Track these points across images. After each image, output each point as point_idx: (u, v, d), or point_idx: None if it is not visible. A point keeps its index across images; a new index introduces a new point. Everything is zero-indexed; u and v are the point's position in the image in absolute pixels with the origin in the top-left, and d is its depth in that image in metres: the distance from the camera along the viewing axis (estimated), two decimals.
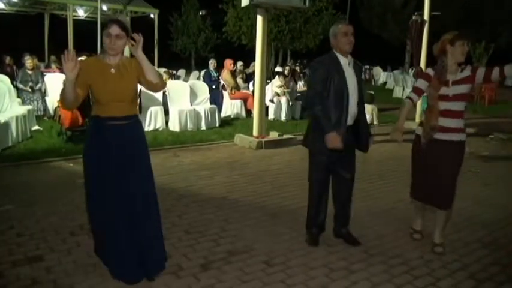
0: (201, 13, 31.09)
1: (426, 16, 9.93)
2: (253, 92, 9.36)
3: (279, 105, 10.80)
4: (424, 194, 3.76)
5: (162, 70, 12.08)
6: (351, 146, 3.67)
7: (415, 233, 4.01)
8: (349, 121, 3.58)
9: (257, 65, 7.87)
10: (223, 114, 10.72)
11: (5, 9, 18.90)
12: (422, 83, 3.65)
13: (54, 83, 9.68)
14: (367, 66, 28.92)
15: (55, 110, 8.27)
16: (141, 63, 2.98)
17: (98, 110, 3.00)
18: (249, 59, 14.02)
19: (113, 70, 2.98)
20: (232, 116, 10.91)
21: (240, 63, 12.57)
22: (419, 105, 10.35)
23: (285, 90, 11.05)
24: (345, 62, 3.57)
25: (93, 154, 3.02)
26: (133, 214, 3.06)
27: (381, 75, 26.64)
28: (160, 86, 3.14)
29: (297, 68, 14.79)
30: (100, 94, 2.97)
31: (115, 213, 3.02)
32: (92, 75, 2.94)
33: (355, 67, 3.64)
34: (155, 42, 19.35)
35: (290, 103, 10.99)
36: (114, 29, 2.89)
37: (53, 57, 14.37)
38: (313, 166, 3.74)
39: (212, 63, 12.30)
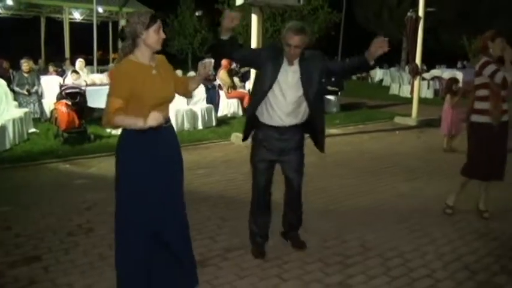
0: (197, 14, 31.09)
1: (421, 12, 9.94)
2: (249, 91, 9.37)
3: None
4: (492, 173, 4.31)
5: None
6: (293, 148, 3.42)
7: (448, 208, 4.53)
8: (284, 121, 3.32)
9: None
10: (220, 114, 10.73)
11: (0, 13, 18.91)
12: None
13: (50, 85, 9.69)
14: None
15: (51, 112, 8.27)
16: (199, 79, 3.20)
17: (139, 115, 2.52)
18: None
19: (154, 72, 2.72)
20: (229, 115, 10.93)
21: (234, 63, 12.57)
22: (416, 100, 10.36)
23: None
24: (286, 62, 3.27)
25: (142, 162, 2.68)
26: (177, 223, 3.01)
27: (378, 73, 26.65)
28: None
29: None
30: (147, 99, 2.64)
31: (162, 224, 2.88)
32: (138, 82, 2.62)
33: (303, 69, 3.26)
34: None
35: None
36: (159, 23, 2.73)
37: (51, 64, 14.36)
38: (254, 171, 3.52)
39: None
